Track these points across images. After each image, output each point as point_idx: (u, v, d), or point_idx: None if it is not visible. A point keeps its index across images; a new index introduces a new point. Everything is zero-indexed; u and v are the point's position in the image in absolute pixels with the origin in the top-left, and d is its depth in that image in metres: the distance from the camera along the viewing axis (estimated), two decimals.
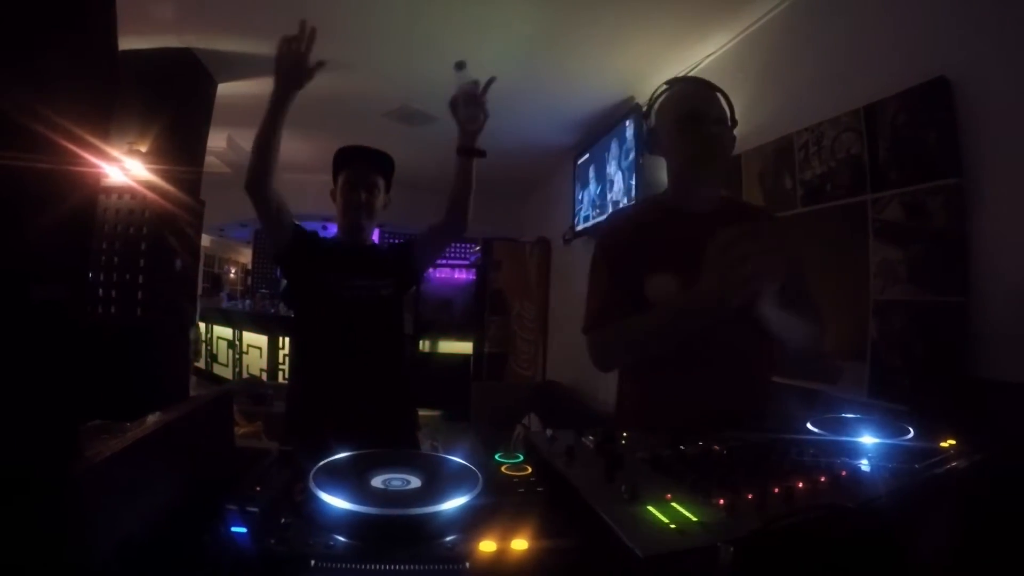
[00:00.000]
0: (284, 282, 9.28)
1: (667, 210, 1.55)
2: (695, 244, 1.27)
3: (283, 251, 1.97)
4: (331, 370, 1.92)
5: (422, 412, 2.42)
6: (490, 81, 1.84)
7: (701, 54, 3.29)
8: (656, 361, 1.42)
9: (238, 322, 7.27)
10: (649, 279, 1.41)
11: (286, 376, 5.84)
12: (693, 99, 1.51)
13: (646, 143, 1.59)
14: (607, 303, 1.47)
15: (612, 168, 4.26)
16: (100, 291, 3.34)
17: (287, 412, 2.00)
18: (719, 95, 1.53)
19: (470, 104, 1.84)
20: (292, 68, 1.74)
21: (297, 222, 2.01)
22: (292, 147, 5.90)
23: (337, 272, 1.94)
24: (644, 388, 1.52)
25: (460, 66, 1.83)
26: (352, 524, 0.61)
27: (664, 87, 1.57)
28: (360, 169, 2.03)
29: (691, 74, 3.40)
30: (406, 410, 2.10)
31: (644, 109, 1.61)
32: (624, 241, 1.51)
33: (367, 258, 2.03)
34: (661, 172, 1.66)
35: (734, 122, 1.54)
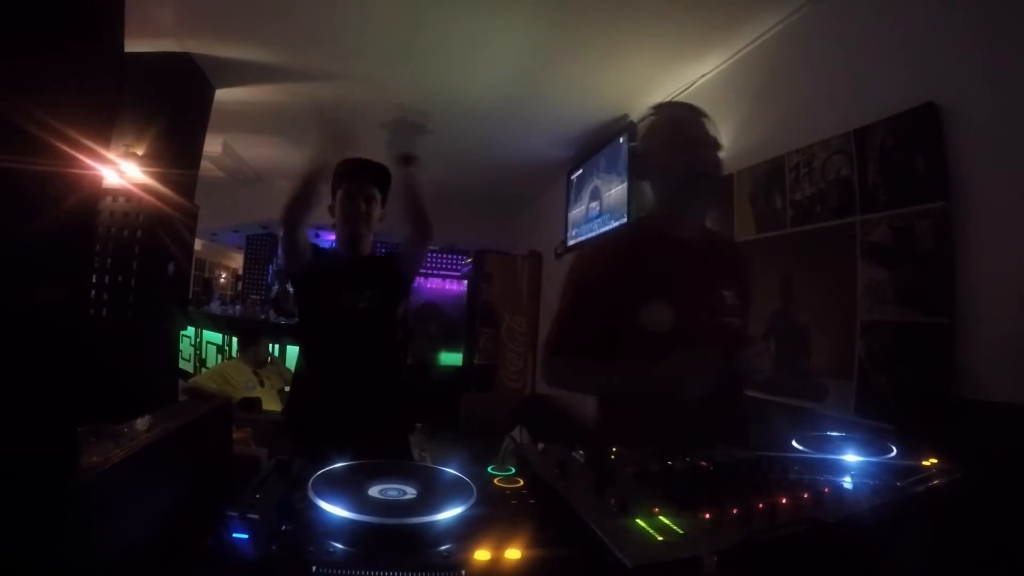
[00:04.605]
0: (275, 288, 9.12)
1: (651, 238, 1.52)
2: (678, 274, 1.39)
3: (301, 272, 2.08)
4: (327, 377, 2.00)
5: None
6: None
7: (696, 74, 3.33)
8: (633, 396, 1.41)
9: (228, 327, 7.23)
10: (630, 309, 1.40)
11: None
12: (682, 127, 1.49)
13: (634, 168, 1.60)
14: (572, 330, 1.47)
15: (605, 184, 4.30)
16: (92, 292, 3.32)
17: (284, 413, 2.14)
18: (706, 120, 1.51)
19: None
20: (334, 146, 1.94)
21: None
22: (287, 155, 5.92)
23: (335, 284, 2.02)
24: (622, 410, 1.48)
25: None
26: (351, 532, 0.62)
27: (651, 112, 1.56)
28: (358, 181, 2.10)
29: (686, 93, 3.45)
30: (399, 418, 2.16)
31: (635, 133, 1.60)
32: (600, 274, 1.48)
33: (364, 270, 2.11)
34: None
35: (721, 146, 1.52)
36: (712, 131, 1.50)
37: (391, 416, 2.09)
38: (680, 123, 1.50)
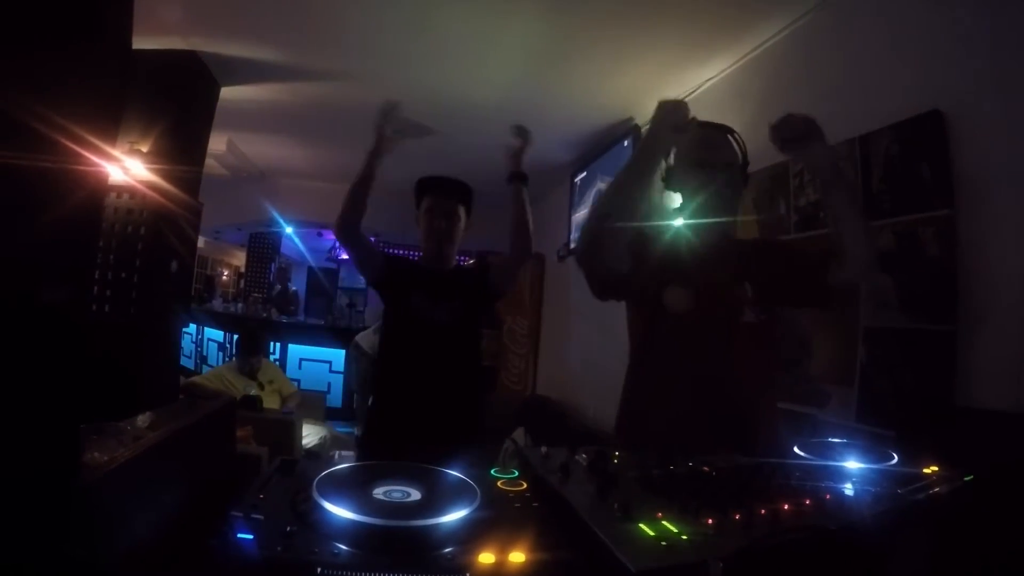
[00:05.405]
0: (276, 286, 9.13)
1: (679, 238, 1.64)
2: (699, 270, 1.51)
3: (377, 281, 2.22)
4: (407, 389, 2.09)
5: None
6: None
7: (701, 78, 3.33)
8: (658, 375, 1.54)
9: (229, 325, 7.24)
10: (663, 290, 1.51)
11: None
12: (703, 146, 1.59)
13: (663, 179, 1.68)
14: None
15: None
16: (95, 289, 3.32)
17: (368, 417, 2.28)
18: (731, 138, 1.63)
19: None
20: (377, 138, 2.05)
21: (387, 252, 2.29)
22: (292, 154, 5.92)
23: (417, 297, 2.11)
24: (647, 398, 1.58)
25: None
26: (356, 534, 0.62)
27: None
28: (440, 198, 2.19)
29: (691, 98, 3.45)
30: (473, 426, 2.21)
31: None
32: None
33: (447, 283, 2.18)
34: (659, 196, 1.73)
35: (745, 162, 1.64)
36: (733, 150, 1.62)
37: (471, 427, 2.15)
38: (699, 144, 1.59)
